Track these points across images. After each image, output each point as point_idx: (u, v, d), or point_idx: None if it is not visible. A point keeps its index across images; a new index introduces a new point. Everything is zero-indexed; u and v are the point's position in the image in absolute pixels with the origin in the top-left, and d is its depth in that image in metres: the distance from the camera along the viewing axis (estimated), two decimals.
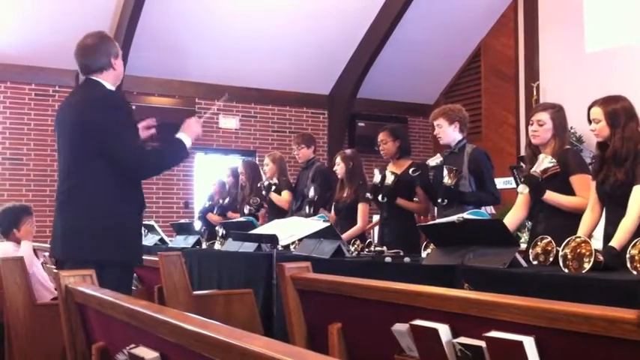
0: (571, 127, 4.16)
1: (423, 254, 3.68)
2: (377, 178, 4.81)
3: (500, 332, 1.73)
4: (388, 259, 3.76)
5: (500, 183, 7.64)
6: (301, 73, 9.69)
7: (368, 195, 4.95)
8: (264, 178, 6.29)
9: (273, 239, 4.03)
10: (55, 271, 2.91)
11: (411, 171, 4.65)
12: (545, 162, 3.49)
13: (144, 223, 6.95)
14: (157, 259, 4.19)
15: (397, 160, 5.00)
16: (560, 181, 3.52)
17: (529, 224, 4.33)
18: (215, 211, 7.01)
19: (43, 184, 8.25)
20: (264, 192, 6.13)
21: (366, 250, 4.26)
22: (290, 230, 4.19)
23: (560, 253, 2.81)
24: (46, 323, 3.24)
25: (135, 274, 4.62)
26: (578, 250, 2.78)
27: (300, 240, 4.61)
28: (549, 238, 3.06)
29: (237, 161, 8.54)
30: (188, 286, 4.22)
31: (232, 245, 5.25)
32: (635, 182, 3.12)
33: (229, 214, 6.81)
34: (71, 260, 3.02)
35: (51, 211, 3.40)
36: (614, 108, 3.25)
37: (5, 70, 8.32)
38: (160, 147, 3.35)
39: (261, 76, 9.49)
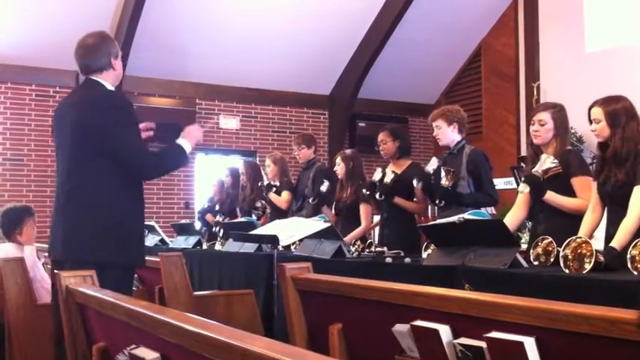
0: (571, 128, 4.14)
1: (424, 255, 3.68)
2: (377, 176, 4.81)
3: (500, 333, 1.73)
4: (389, 260, 3.76)
5: (501, 183, 7.65)
6: (302, 73, 9.69)
7: (364, 191, 4.95)
8: (265, 178, 6.29)
9: (273, 240, 4.03)
10: (55, 271, 2.91)
11: (416, 184, 4.60)
12: (547, 162, 3.49)
13: (145, 223, 6.98)
14: (157, 259, 4.20)
15: (397, 160, 5.00)
16: (561, 182, 3.52)
17: (529, 225, 4.33)
18: (218, 211, 7.01)
19: (44, 184, 8.25)
20: (264, 192, 6.14)
21: (367, 250, 4.26)
22: (290, 231, 4.19)
23: (561, 254, 2.81)
24: (47, 323, 3.24)
25: (135, 275, 4.63)
26: (579, 251, 2.78)
27: (300, 240, 4.61)
28: (550, 239, 3.06)
29: (237, 161, 8.55)
30: (189, 287, 4.22)
31: (233, 246, 5.25)
32: (635, 182, 3.12)
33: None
34: (71, 261, 3.01)
35: (52, 212, 3.39)
36: (615, 108, 3.25)
37: (6, 70, 8.33)
38: (160, 150, 3.35)
39: (261, 77, 9.50)
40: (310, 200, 5.54)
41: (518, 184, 4.12)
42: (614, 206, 3.26)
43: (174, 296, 4.11)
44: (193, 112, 9.31)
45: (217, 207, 7.07)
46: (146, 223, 6.93)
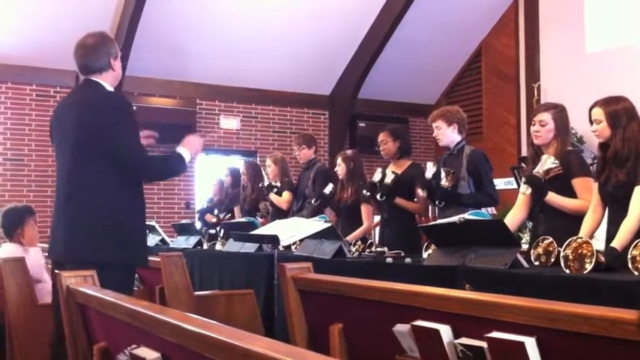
0: (572, 128, 4.15)
1: (424, 255, 3.68)
2: (377, 176, 4.81)
3: (501, 333, 1.73)
4: (389, 260, 3.76)
5: (501, 183, 7.66)
6: (302, 73, 9.69)
7: (364, 192, 4.95)
8: (265, 179, 6.30)
9: (274, 240, 4.03)
10: (56, 271, 2.91)
11: (421, 193, 4.58)
12: (548, 163, 3.49)
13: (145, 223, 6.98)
14: (158, 259, 4.20)
15: (397, 161, 5.00)
16: (561, 183, 3.52)
17: (530, 225, 4.33)
18: (216, 211, 7.01)
19: (44, 184, 8.25)
20: (265, 193, 6.14)
21: (367, 250, 4.26)
22: (291, 231, 4.19)
23: (562, 254, 2.81)
24: (47, 324, 3.24)
25: (136, 275, 4.63)
26: (580, 251, 2.78)
27: (301, 240, 4.61)
28: (551, 239, 3.06)
29: (238, 162, 8.55)
30: (189, 287, 4.22)
31: (233, 246, 5.25)
32: (636, 183, 3.12)
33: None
34: (72, 261, 3.01)
35: (52, 212, 3.40)
36: (615, 109, 3.25)
37: (6, 70, 8.33)
38: (160, 155, 3.38)
39: (261, 77, 9.50)
40: (313, 201, 5.54)
41: (518, 185, 4.12)
42: (615, 206, 3.26)
43: (174, 296, 4.11)
44: (194, 112, 9.32)
45: (215, 210, 7.07)
46: (147, 223, 6.96)
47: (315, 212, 5.46)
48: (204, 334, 1.47)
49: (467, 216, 3.40)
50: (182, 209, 9.24)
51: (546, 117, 3.64)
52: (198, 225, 7.12)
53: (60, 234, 3.19)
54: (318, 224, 4.30)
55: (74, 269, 2.58)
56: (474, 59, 10.52)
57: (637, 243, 2.65)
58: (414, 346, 2.03)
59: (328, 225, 4.31)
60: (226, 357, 1.38)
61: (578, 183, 3.54)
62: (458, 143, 4.41)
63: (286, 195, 6.06)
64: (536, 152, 3.70)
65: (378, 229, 5.48)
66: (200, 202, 8.84)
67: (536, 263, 3.08)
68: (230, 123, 9.71)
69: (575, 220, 3.41)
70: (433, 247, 3.61)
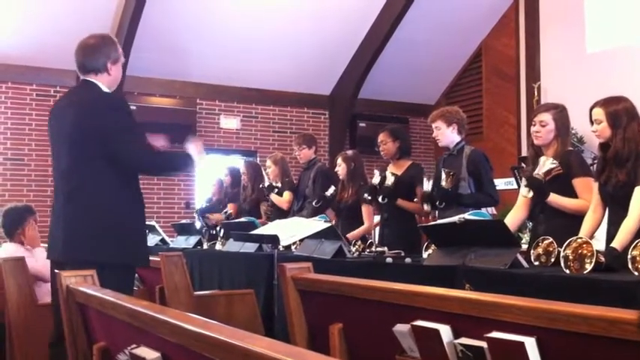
0: (572, 128, 4.14)
1: (424, 255, 3.68)
2: (376, 179, 4.81)
3: (501, 333, 1.73)
4: (389, 260, 3.76)
5: (502, 183, 7.66)
6: (302, 73, 9.69)
7: (365, 196, 4.96)
8: (266, 179, 6.30)
9: (274, 240, 4.03)
10: (56, 271, 2.91)
11: (426, 208, 4.56)
12: (546, 164, 3.49)
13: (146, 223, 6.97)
14: (158, 259, 4.20)
15: (397, 161, 5.00)
16: (562, 183, 3.52)
17: (530, 225, 4.33)
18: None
19: (45, 184, 8.25)
20: (265, 193, 6.14)
21: (367, 250, 4.26)
22: (291, 231, 4.19)
23: (562, 254, 2.81)
24: (48, 323, 3.24)
25: (136, 275, 4.63)
26: (580, 251, 2.78)
27: (301, 240, 4.61)
28: (551, 239, 3.06)
29: (238, 161, 8.55)
30: (189, 287, 4.22)
31: (233, 246, 5.25)
32: (636, 183, 3.12)
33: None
34: (71, 261, 3.01)
35: (51, 212, 3.40)
36: (616, 109, 3.25)
37: (6, 70, 8.33)
38: (165, 151, 3.39)
39: (262, 77, 9.50)
40: (314, 203, 5.54)
41: (518, 185, 4.12)
42: (615, 207, 3.26)
43: (174, 296, 4.11)
44: (194, 112, 9.32)
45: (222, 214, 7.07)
46: (147, 223, 6.96)
47: (315, 212, 5.46)
48: (204, 334, 1.47)
49: (467, 216, 3.40)
50: (182, 209, 9.24)
51: (547, 117, 3.64)
52: (198, 225, 7.12)
53: (59, 234, 3.19)
54: (318, 224, 4.31)
55: (74, 269, 2.58)
56: (474, 59, 10.52)
57: (637, 243, 2.65)
58: (413, 346, 2.03)
59: (328, 225, 4.31)
60: (226, 357, 1.38)
61: (578, 183, 3.54)
62: (458, 143, 4.41)
63: (287, 195, 6.07)
64: (537, 152, 3.70)
65: (377, 229, 5.49)
66: (200, 202, 8.83)
67: (536, 263, 3.08)
68: (230, 123, 9.71)
69: (575, 220, 3.42)
70: (433, 247, 3.61)
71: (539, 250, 3.10)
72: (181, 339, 1.58)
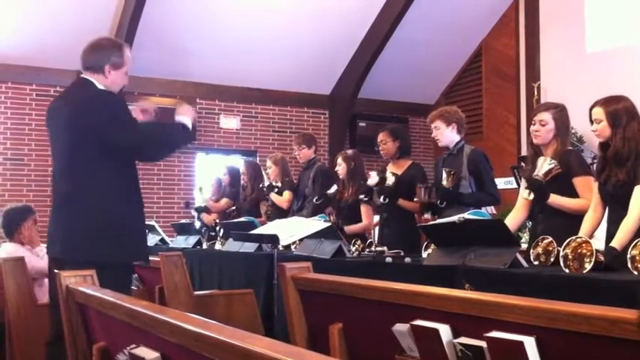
0: (572, 128, 4.14)
1: (424, 254, 3.68)
2: (372, 180, 4.81)
3: (501, 332, 1.73)
4: (389, 260, 3.76)
5: (502, 183, 7.64)
6: (302, 73, 9.69)
7: (362, 197, 4.97)
8: (265, 179, 6.29)
9: (273, 239, 4.03)
10: (55, 271, 2.91)
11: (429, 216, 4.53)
12: (545, 165, 3.49)
13: (145, 223, 6.97)
14: (157, 259, 4.20)
15: (397, 161, 5.00)
16: (562, 183, 3.52)
17: (529, 224, 4.34)
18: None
19: (45, 184, 8.24)
20: (265, 193, 6.14)
21: (367, 250, 4.26)
22: (291, 230, 4.19)
23: (561, 254, 2.81)
24: (47, 323, 3.24)
25: (136, 275, 4.63)
26: (579, 251, 2.78)
27: (300, 240, 4.61)
28: (550, 239, 3.06)
29: (238, 161, 8.55)
30: (189, 287, 4.22)
31: (233, 245, 5.25)
32: (636, 182, 3.12)
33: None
34: (70, 261, 3.01)
35: (50, 211, 3.40)
36: (616, 108, 3.25)
37: (6, 70, 8.32)
38: (161, 131, 3.38)
39: (262, 77, 9.49)
40: (315, 200, 5.54)
41: (518, 184, 4.12)
42: (615, 206, 3.26)
43: (174, 296, 4.11)
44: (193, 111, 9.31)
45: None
46: (146, 222, 6.95)
47: (315, 212, 5.46)
48: (203, 334, 1.47)
49: (466, 215, 3.40)
50: (181, 209, 9.23)
51: (546, 117, 3.64)
52: (197, 224, 7.12)
53: (58, 234, 3.19)
54: (317, 224, 4.31)
55: (73, 269, 2.58)
56: (474, 59, 10.51)
57: (636, 242, 2.65)
58: (413, 345, 2.03)
59: (328, 224, 4.31)
60: (226, 357, 1.38)
61: (579, 182, 3.54)
62: (457, 143, 4.41)
63: (287, 194, 6.07)
64: (536, 152, 3.70)
65: (377, 228, 5.49)
66: (199, 202, 8.82)
67: (536, 263, 3.08)
68: (230, 123, 9.70)
69: (573, 219, 3.42)
70: (433, 246, 3.61)
71: (539, 249, 3.10)
72: (181, 339, 1.58)
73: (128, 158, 3.24)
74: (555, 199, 3.51)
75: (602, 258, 2.73)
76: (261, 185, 6.24)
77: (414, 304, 2.04)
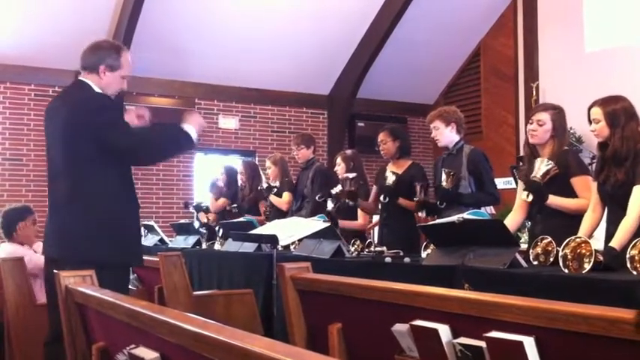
0: (570, 128, 4.16)
1: (423, 254, 3.68)
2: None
3: (500, 332, 1.73)
4: (388, 260, 3.76)
5: (501, 183, 7.64)
6: (301, 73, 9.68)
7: (317, 197, 5.04)
8: (264, 179, 6.28)
9: (273, 239, 4.03)
10: (55, 271, 2.91)
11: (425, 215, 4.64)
12: (542, 166, 3.49)
13: (144, 223, 6.97)
14: (157, 259, 4.20)
15: (397, 160, 5.01)
16: (560, 183, 3.52)
17: (528, 224, 4.35)
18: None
19: (43, 184, 8.19)
20: (264, 195, 6.13)
21: (366, 250, 4.26)
22: (290, 230, 4.19)
23: (560, 254, 2.81)
24: (46, 323, 3.24)
25: (135, 275, 4.63)
26: (578, 251, 2.78)
27: (300, 240, 4.61)
28: (549, 239, 3.06)
29: (236, 161, 8.54)
30: (188, 287, 4.22)
31: (232, 245, 5.25)
32: (635, 182, 3.12)
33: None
34: (68, 261, 3.01)
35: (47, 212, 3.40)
36: (614, 108, 3.25)
37: (5, 70, 8.32)
38: (160, 133, 3.37)
39: (260, 77, 9.49)
40: (317, 198, 5.54)
41: (517, 184, 4.12)
42: (614, 206, 3.27)
43: (173, 296, 4.11)
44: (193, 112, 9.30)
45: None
46: (146, 223, 6.95)
47: (314, 212, 5.46)
48: (203, 334, 1.47)
49: (466, 216, 3.41)
50: (181, 209, 9.23)
51: (545, 117, 3.65)
52: (196, 224, 7.12)
53: (56, 234, 3.19)
54: (316, 224, 4.30)
55: (72, 269, 2.58)
56: (472, 59, 10.52)
57: (635, 243, 2.65)
58: (412, 345, 2.03)
59: (327, 225, 4.31)
60: (225, 357, 1.38)
61: (577, 182, 3.55)
62: (457, 143, 4.42)
63: (286, 196, 6.07)
64: (532, 151, 3.71)
65: (377, 228, 5.49)
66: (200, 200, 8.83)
67: (535, 263, 3.08)
68: (229, 123, 9.70)
69: (572, 219, 3.42)
70: (432, 246, 3.61)
71: (538, 249, 3.10)
72: (180, 339, 1.58)
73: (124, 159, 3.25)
74: (554, 200, 3.51)
75: (601, 258, 2.73)
76: (259, 188, 6.23)
77: (413, 304, 2.04)
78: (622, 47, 8.37)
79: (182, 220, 7.99)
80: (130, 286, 3.79)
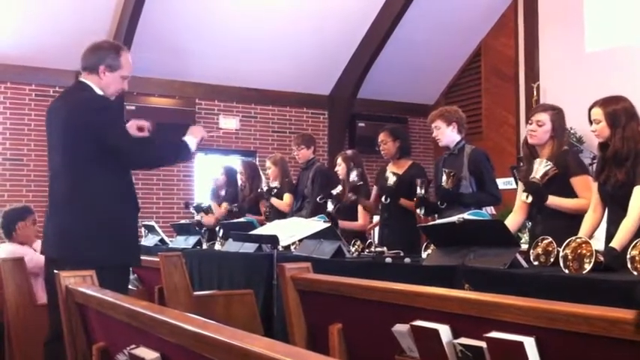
0: (571, 128, 4.17)
1: (424, 255, 3.68)
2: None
3: (500, 333, 1.73)
4: (388, 260, 3.76)
5: (501, 183, 7.63)
6: (301, 73, 9.68)
7: (318, 198, 5.07)
8: (263, 180, 6.27)
9: (273, 240, 4.03)
10: (55, 271, 2.91)
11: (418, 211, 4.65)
12: (542, 167, 3.49)
13: (144, 223, 6.97)
14: (157, 259, 4.20)
15: (397, 161, 5.01)
16: (560, 184, 3.52)
17: (529, 225, 4.35)
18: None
19: (44, 184, 8.23)
20: (265, 197, 6.13)
21: (367, 250, 4.26)
22: (290, 231, 4.19)
23: (561, 254, 2.81)
24: (46, 323, 3.24)
25: (135, 275, 4.63)
26: (579, 251, 2.78)
27: (300, 240, 4.61)
28: (550, 239, 3.06)
29: (237, 162, 8.53)
30: (188, 287, 4.22)
31: (233, 246, 5.25)
32: (635, 182, 3.12)
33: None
34: (68, 262, 3.01)
35: (46, 212, 3.41)
36: (615, 108, 3.25)
37: (5, 70, 8.32)
38: (158, 141, 3.40)
39: (261, 77, 9.49)
40: (318, 199, 5.54)
41: (517, 184, 4.13)
42: (615, 206, 3.27)
43: (173, 296, 4.11)
44: (193, 112, 9.31)
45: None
46: (146, 223, 6.95)
47: (314, 212, 5.46)
48: (203, 334, 1.47)
49: (466, 216, 3.40)
50: (181, 209, 9.23)
51: (544, 117, 3.66)
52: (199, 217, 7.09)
53: (56, 234, 3.20)
54: (317, 224, 4.30)
55: (72, 269, 2.58)
56: (473, 59, 10.52)
57: (636, 243, 2.65)
58: (413, 346, 2.03)
59: (327, 225, 4.31)
60: (225, 357, 1.38)
61: (577, 182, 3.55)
62: (458, 143, 4.41)
63: (287, 198, 6.06)
64: (531, 152, 3.71)
65: (377, 229, 5.49)
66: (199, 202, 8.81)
67: (536, 263, 3.08)
68: (229, 123, 9.70)
69: (572, 220, 3.42)
70: (432, 247, 3.61)
71: (539, 249, 3.10)
72: (180, 339, 1.58)
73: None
74: (554, 201, 3.51)
75: (601, 258, 2.73)
76: (259, 190, 6.23)
77: (413, 304, 2.04)
78: (622, 47, 8.37)
79: (182, 221, 7.99)
80: (130, 286, 3.79)
